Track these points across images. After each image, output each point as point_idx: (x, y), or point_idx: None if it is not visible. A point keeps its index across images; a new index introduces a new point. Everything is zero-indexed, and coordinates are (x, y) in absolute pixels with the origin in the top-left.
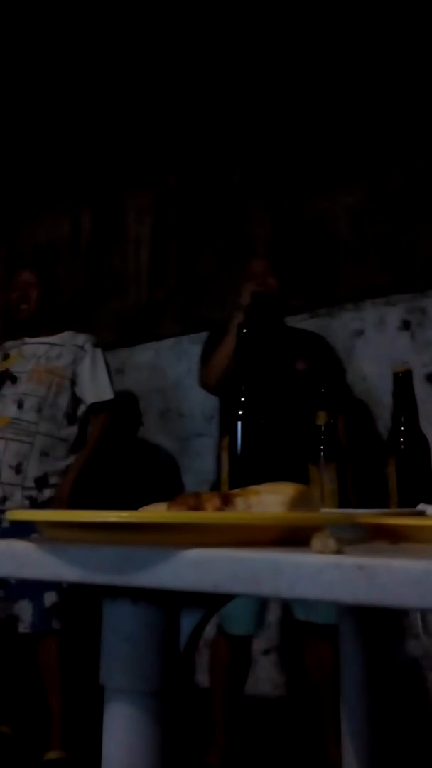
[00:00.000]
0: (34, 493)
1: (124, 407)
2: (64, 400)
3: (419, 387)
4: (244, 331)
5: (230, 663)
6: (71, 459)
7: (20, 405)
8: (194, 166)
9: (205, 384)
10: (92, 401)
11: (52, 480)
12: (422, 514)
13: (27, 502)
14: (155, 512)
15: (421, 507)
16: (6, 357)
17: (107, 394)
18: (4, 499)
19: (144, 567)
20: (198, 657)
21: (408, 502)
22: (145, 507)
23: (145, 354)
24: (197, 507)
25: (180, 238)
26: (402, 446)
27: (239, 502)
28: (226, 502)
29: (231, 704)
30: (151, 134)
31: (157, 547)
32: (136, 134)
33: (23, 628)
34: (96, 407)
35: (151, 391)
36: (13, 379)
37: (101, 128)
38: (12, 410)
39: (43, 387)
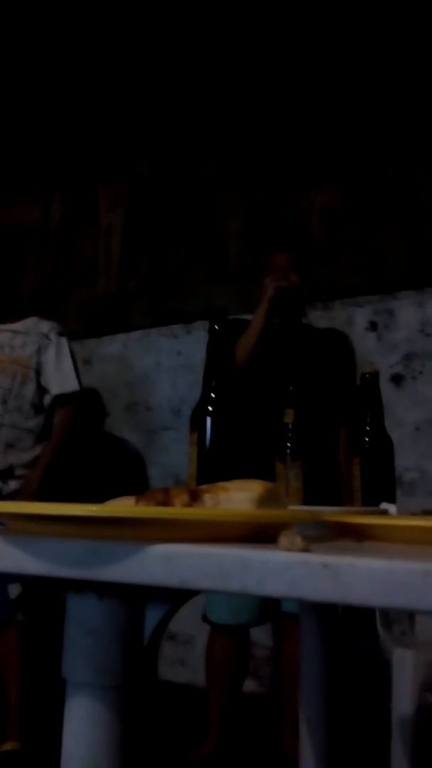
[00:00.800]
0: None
1: (89, 401)
2: (29, 391)
3: (384, 388)
4: (216, 327)
5: (226, 655)
6: (38, 450)
7: None
8: (169, 157)
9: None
10: (57, 392)
11: (18, 472)
12: (385, 512)
13: None
14: (123, 506)
15: (383, 506)
16: None
17: (73, 385)
18: None
19: (111, 561)
20: (192, 653)
21: (371, 501)
22: (112, 501)
23: (113, 345)
24: (165, 502)
25: (152, 229)
26: (367, 446)
27: (207, 498)
28: (195, 498)
29: (227, 697)
30: (127, 122)
31: (124, 542)
32: (111, 121)
33: None
34: (62, 398)
35: (119, 383)
36: None
37: (75, 113)
38: None
39: (7, 378)
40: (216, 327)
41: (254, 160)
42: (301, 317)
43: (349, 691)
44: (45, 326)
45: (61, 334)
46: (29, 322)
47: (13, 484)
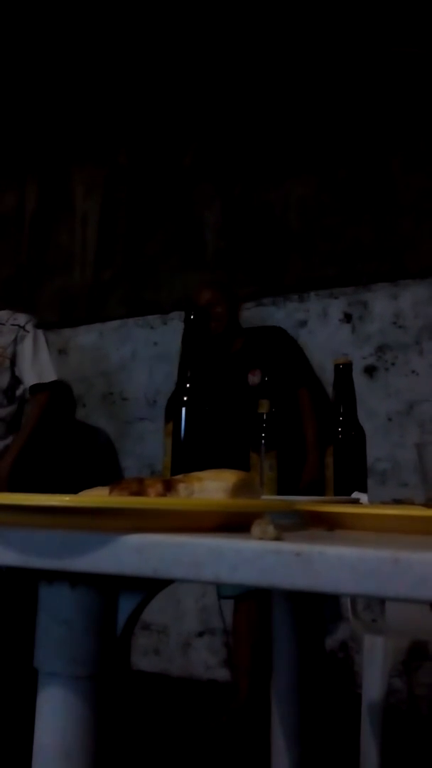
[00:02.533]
0: None
1: (62, 392)
2: (3, 380)
3: (358, 379)
4: (192, 317)
5: (244, 621)
6: (9, 439)
7: None
8: (146, 144)
9: None
10: (34, 382)
11: None
12: (356, 502)
13: None
14: (96, 497)
15: (355, 495)
16: None
17: (50, 375)
18: None
19: (84, 551)
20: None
21: (344, 491)
22: (86, 491)
23: (89, 335)
24: (140, 492)
25: (129, 218)
26: (339, 436)
27: (182, 488)
28: (169, 488)
29: (249, 659)
30: (104, 109)
31: (97, 532)
32: (87, 107)
33: None
34: (36, 388)
35: (95, 373)
36: None
37: (52, 99)
38: None
39: None
40: (191, 317)
41: (232, 150)
42: (238, 325)
43: (321, 676)
44: (21, 318)
45: (37, 326)
46: (3, 314)
47: None
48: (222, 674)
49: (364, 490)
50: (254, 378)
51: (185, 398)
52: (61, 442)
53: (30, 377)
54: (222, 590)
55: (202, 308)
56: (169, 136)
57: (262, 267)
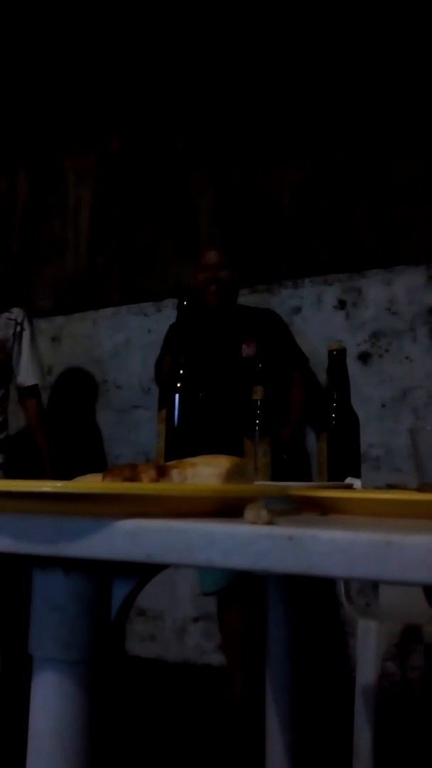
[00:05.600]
0: None
1: (82, 380)
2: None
3: (352, 366)
4: (185, 303)
5: (233, 618)
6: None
7: None
8: (139, 130)
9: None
10: (30, 383)
11: None
12: (350, 487)
13: None
14: (90, 482)
15: (349, 480)
16: None
17: (40, 378)
18: None
19: (78, 537)
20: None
21: (337, 476)
22: (79, 477)
23: (82, 323)
24: (133, 478)
25: (122, 204)
26: (333, 422)
27: (175, 473)
28: (162, 473)
29: (242, 652)
30: (95, 94)
31: (91, 518)
32: (79, 93)
33: None
34: (28, 391)
35: (88, 361)
36: None
37: (43, 84)
38: None
39: None
40: (184, 303)
41: (225, 135)
42: (234, 301)
43: (315, 661)
44: (16, 312)
45: (30, 320)
46: (13, 311)
47: None
48: (217, 659)
49: (357, 475)
50: (249, 349)
51: (178, 384)
52: (59, 430)
53: (27, 377)
54: (204, 587)
55: (195, 294)
56: (162, 122)
57: (256, 253)
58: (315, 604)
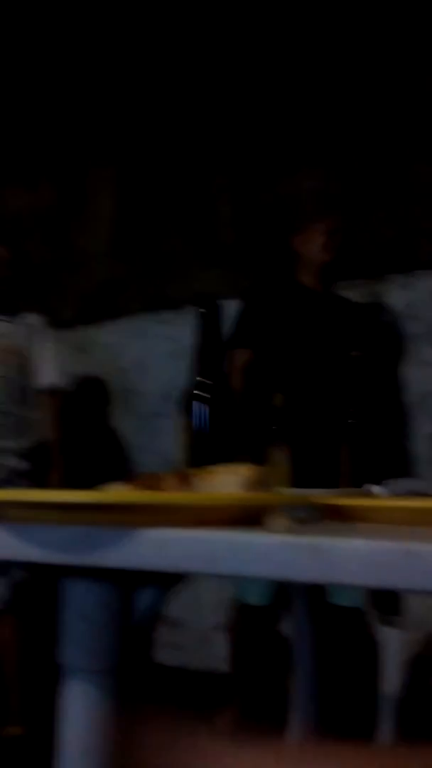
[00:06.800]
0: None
1: (92, 389)
2: (23, 380)
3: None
4: (204, 311)
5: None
6: (23, 441)
7: None
8: (159, 140)
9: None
10: (48, 384)
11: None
12: (372, 494)
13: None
14: (114, 492)
15: (369, 487)
16: None
17: (61, 378)
18: None
19: (104, 547)
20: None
21: (359, 483)
22: (105, 486)
23: (105, 332)
24: (156, 487)
25: (143, 214)
26: (353, 429)
27: (197, 482)
28: (184, 482)
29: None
30: (117, 106)
31: (116, 527)
32: (101, 105)
33: None
34: (48, 388)
35: (111, 370)
36: None
37: (66, 100)
38: None
39: (3, 366)
40: (204, 311)
41: (244, 144)
42: (330, 289)
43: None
44: (33, 318)
45: (48, 326)
46: (16, 312)
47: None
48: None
49: (379, 482)
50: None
51: (199, 393)
52: (82, 438)
53: (46, 378)
54: (247, 597)
55: (215, 303)
56: (182, 133)
57: (276, 261)
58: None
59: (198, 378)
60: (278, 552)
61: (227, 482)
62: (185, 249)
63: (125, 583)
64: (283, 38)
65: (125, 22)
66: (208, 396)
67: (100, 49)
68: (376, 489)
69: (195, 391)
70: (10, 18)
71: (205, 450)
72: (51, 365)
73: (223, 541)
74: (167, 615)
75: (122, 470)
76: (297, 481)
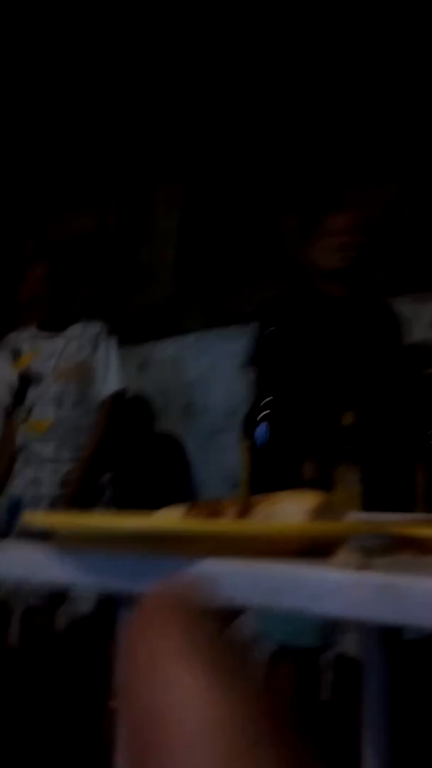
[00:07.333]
0: None
1: (138, 405)
2: (92, 392)
3: None
4: (266, 332)
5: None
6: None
7: (59, 404)
8: (222, 159)
9: None
10: (106, 391)
11: None
12: None
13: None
14: (173, 519)
15: None
16: (17, 355)
17: (118, 384)
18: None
19: (159, 576)
20: None
21: None
22: (163, 510)
23: (168, 348)
24: (217, 514)
25: (207, 231)
26: (430, 451)
27: (259, 510)
28: (246, 510)
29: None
30: (181, 129)
31: (174, 556)
32: (165, 128)
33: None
34: (115, 398)
35: (175, 386)
36: (38, 380)
37: (129, 126)
38: (49, 411)
39: (72, 382)
40: (265, 332)
41: (309, 158)
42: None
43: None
44: (94, 328)
45: (108, 334)
46: (78, 327)
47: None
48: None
49: None
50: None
51: (262, 414)
52: (145, 455)
53: (102, 386)
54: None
55: (277, 324)
56: (246, 150)
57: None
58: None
59: (259, 399)
60: (347, 590)
61: (292, 511)
62: (249, 265)
63: None
64: (339, 59)
65: (182, 47)
66: (271, 415)
67: (166, 68)
68: None
69: (256, 412)
70: (72, 43)
71: (269, 471)
72: (111, 372)
73: (287, 575)
74: None
75: (185, 488)
76: (369, 505)
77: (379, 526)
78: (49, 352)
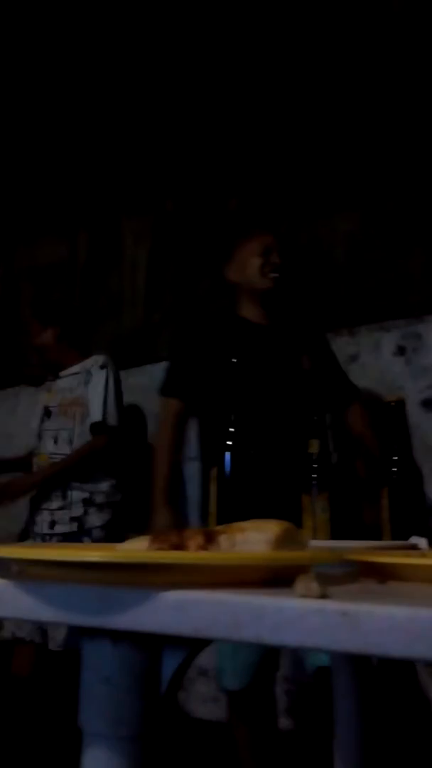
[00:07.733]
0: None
1: (121, 436)
2: (86, 429)
3: (416, 413)
4: (234, 360)
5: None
6: (103, 485)
7: (55, 440)
8: (191, 191)
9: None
10: (95, 420)
11: (98, 499)
12: (414, 547)
13: (75, 525)
14: (136, 550)
15: (413, 540)
16: (48, 391)
17: (111, 419)
18: (53, 523)
19: (123, 608)
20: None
21: (401, 535)
22: (129, 541)
23: (139, 377)
24: (180, 545)
25: (177, 261)
26: (394, 476)
27: (223, 540)
28: (210, 539)
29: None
30: (148, 161)
31: (136, 587)
32: (133, 160)
33: (54, 646)
34: (97, 428)
35: (146, 414)
36: (49, 414)
37: (99, 154)
38: (49, 446)
39: (69, 419)
40: (234, 360)
41: (276, 190)
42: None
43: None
44: (89, 362)
45: (102, 366)
46: (88, 362)
47: (92, 516)
48: (283, 723)
49: (423, 533)
50: (306, 362)
51: (228, 443)
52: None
53: (95, 414)
54: (224, 682)
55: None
56: (213, 181)
57: (311, 303)
58: (387, 673)
59: (226, 427)
60: (307, 619)
61: (256, 540)
62: (219, 294)
63: (149, 645)
64: (313, 84)
65: (155, 75)
66: (237, 445)
67: (131, 103)
68: (421, 542)
69: (224, 441)
70: (43, 75)
71: (236, 501)
72: (98, 403)
73: (249, 605)
74: (207, 669)
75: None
76: (335, 532)
77: (341, 554)
78: (60, 389)
